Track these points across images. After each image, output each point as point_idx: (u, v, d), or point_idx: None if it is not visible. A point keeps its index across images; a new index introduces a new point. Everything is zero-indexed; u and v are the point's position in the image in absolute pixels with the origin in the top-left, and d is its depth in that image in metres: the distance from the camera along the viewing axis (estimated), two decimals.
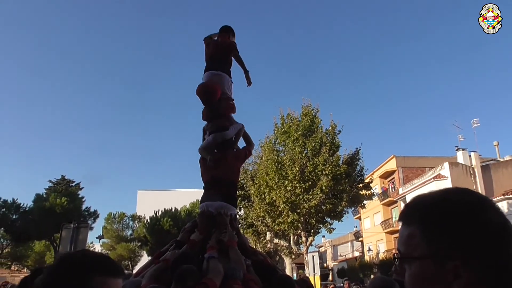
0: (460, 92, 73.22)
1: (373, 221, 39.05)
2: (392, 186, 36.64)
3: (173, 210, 30.82)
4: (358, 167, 21.50)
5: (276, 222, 19.96)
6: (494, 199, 24.26)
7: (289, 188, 19.11)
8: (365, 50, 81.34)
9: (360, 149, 21.68)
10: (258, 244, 23.25)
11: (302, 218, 19.77)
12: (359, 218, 42.74)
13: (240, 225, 22.38)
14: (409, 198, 30.72)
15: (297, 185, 19.09)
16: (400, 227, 0.87)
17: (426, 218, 0.80)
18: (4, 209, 24.99)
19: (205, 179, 4.50)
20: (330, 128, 21.23)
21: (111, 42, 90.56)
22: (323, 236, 47.59)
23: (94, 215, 28.41)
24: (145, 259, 29.85)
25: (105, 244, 36.92)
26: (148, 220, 31.22)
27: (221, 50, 4.92)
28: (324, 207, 19.73)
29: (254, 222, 21.94)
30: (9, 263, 36.76)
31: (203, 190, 4.52)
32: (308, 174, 19.45)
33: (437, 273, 0.76)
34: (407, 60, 78.41)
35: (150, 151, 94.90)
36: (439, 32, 73.19)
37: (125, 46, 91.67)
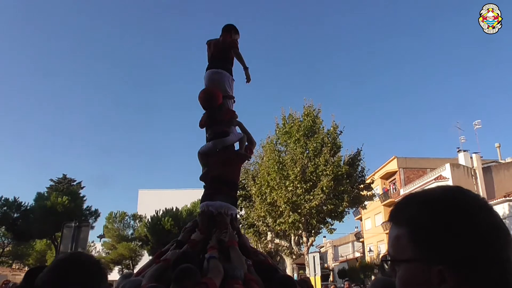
0: (462, 93, 73.10)
1: (374, 222, 39.01)
2: (393, 187, 36.60)
3: (174, 209, 30.83)
4: (359, 167, 21.49)
5: (277, 222, 19.97)
6: (495, 201, 24.33)
7: (290, 188, 19.11)
8: (367, 52, 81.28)
9: (361, 150, 21.69)
10: (259, 244, 23.25)
11: (303, 218, 19.77)
12: (360, 219, 42.69)
13: (241, 225, 22.47)
14: None
15: (298, 185, 19.09)
16: (390, 227, 0.84)
17: (413, 219, 0.77)
18: (5, 208, 25.04)
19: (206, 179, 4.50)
20: (332, 128, 21.22)
21: (115, 42, 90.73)
22: (324, 237, 47.63)
23: (95, 214, 28.44)
24: (146, 258, 29.91)
25: (106, 243, 36.96)
26: (149, 220, 31.24)
27: (221, 49, 4.93)
28: (325, 207, 19.72)
29: (255, 222, 21.95)
30: (10, 262, 36.86)
31: (204, 190, 4.52)
32: (309, 174, 19.44)
33: (423, 277, 0.73)
34: (408, 60, 78.31)
35: (151, 150, 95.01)
36: (442, 33, 73.09)
37: (129, 46, 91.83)
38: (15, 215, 25.51)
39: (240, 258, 3.43)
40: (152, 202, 38.09)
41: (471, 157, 29.54)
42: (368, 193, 22.13)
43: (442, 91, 73.66)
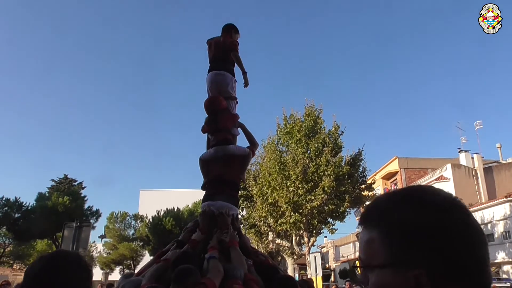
0: (463, 93, 73.01)
1: None
2: (395, 187, 36.55)
3: (175, 210, 30.85)
4: (361, 168, 21.48)
5: (279, 222, 19.96)
6: (497, 201, 24.24)
7: (292, 188, 19.10)
8: (369, 52, 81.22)
9: (362, 150, 21.68)
10: (260, 245, 23.25)
11: (304, 218, 19.76)
12: None
13: (242, 225, 22.46)
14: None
15: (299, 185, 19.08)
16: (361, 231, 0.77)
17: (384, 221, 0.72)
18: (6, 208, 25.07)
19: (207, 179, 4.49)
20: (333, 129, 21.22)
21: (119, 40, 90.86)
22: (325, 237, 47.56)
23: (97, 214, 28.44)
24: (147, 258, 29.91)
25: (107, 244, 36.99)
26: (150, 220, 31.26)
27: (222, 49, 4.91)
28: (327, 207, 19.71)
29: (257, 222, 21.95)
30: (11, 262, 36.88)
31: (205, 191, 4.50)
32: (310, 174, 19.44)
33: (398, 283, 0.68)
34: (410, 61, 78.27)
35: (153, 150, 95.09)
36: (443, 33, 73.02)
37: (133, 44, 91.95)
38: (16, 215, 25.54)
39: (240, 258, 3.42)
40: (153, 202, 38.13)
41: (472, 158, 29.51)
42: (370, 193, 22.11)
43: (444, 91, 73.64)
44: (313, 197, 19.05)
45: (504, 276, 22.71)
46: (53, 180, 39.98)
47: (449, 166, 28.31)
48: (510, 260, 22.95)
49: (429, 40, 75.73)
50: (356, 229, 46.58)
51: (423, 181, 30.20)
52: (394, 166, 35.67)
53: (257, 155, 22.26)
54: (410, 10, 77.26)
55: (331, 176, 19.02)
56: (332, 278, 42.80)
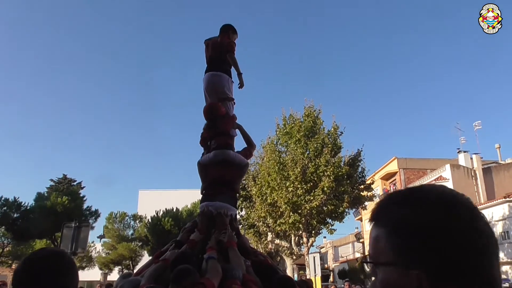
0: (462, 94, 73.12)
1: None
2: (394, 187, 36.58)
3: (174, 210, 30.83)
4: (360, 168, 21.51)
5: (278, 222, 19.97)
6: (495, 202, 24.27)
7: (291, 188, 19.11)
8: (368, 52, 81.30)
9: (361, 151, 21.71)
10: (259, 245, 23.25)
11: (303, 219, 19.77)
12: (360, 220, 42.66)
13: (241, 225, 22.46)
14: None
15: (298, 186, 19.09)
16: (371, 227, 0.79)
17: (392, 220, 0.73)
18: (5, 208, 25.02)
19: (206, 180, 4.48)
20: (332, 129, 21.24)
21: (117, 39, 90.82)
22: (324, 237, 47.61)
23: (95, 214, 28.41)
24: (146, 259, 29.86)
25: (106, 244, 36.93)
26: (149, 220, 31.24)
27: (220, 51, 4.90)
28: (326, 208, 19.72)
29: (256, 222, 21.95)
30: (10, 262, 36.79)
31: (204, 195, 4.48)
32: (309, 175, 19.44)
33: (402, 281, 0.69)
34: (409, 61, 78.35)
35: (152, 151, 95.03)
36: (442, 33, 73.13)
37: (131, 44, 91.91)
38: (15, 215, 25.48)
39: (238, 259, 3.42)
40: (152, 203, 38.10)
41: (471, 158, 29.56)
42: (369, 193, 22.13)
43: (443, 91, 73.72)
44: (312, 198, 19.06)
45: (504, 276, 22.76)
46: (52, 180, 39.98)
47: (448, 166, 28.35)
48: (509, 260, 22.98)
49: (428, 40, 75.87)
50: (355, 229, 46.70)
51: (422, 182, 30.22)
52: (393, 166, 35.70)
53: (256, 155, 22.27)
54: (410, 9, 77.41)
55: (330, 177, 19.03)
56: (331, 279, 42.80)
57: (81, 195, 28.90)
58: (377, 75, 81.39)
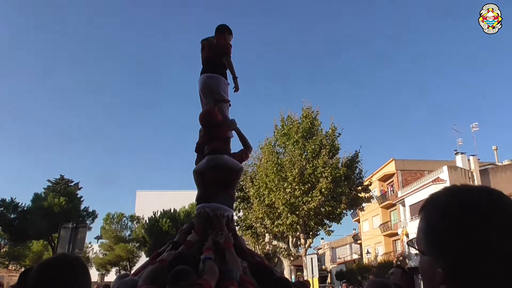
0: (459, 96, 73.38)
1: (371, 224, 39.05)
2: (391, 189, 36.65)
3: (172, 211, 30.78)
4: (357, 169, 21.55)
5: (275, 224, 19.97)
6: None
7: (289, 190, 19.12)
8: (365, 54, 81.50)
9: (359, 152, 21.76)
10: (257, 246, 23.25)
11: (301, 220, 19.78)
12: (358, 221, 42.71)
13: (239, 226, 22.45)
14: (407, 201, 30.89)
15: (296, 187, 19.10)
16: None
17: (429, 216, 0.79)
18: (2, 208, 24.92)
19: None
20: (330, 130, 21.28)
21: (114, 39, 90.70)
22: (322, 239, 47.64)
23: (93, 215, 28.33)
24: (143, 260, 29.77)
25: (103, 245, 36.84)
26: (147, 221, 31.17)
27: (216, 52, 4.90)
28: (323, 209, 19.74)
29: (253, 223, 21.95)
30: (6, 263, 36.66)
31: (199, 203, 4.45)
32: (307, 176, 19.46)
33: (430, 272, 0.76)
34: (407, 63, 78.59)
35: (149, 151, 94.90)
36: (439, 35, 73.38)
37: (129, 44, 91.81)
38: (12, 216, 25.38)
39: (235, 260, 3.42)
40: (150, 203, 38.07)
41: (469, 160, 29.67)
42: (366, 195, 22.17)
43: (440, 93, 73.92)
44: (310, 199, 19.08)
45: None
46: (49, 180, 39.83)
47: (445, 168, 28.44)
48: None
49: (426, 42, 76.13)
50: (352, 231, 46.73)
51: (419, 183, 30.30)
52: (390, 168, 35.77)
53: (254, 157, 22.28)
54: (408, 11, 77.66)
55: (328, 178, 19.06)
56: (328, 280, 42.81)
57: (78, 196, 28.82)
58: (375, 76, 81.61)
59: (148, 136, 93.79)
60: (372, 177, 29.69)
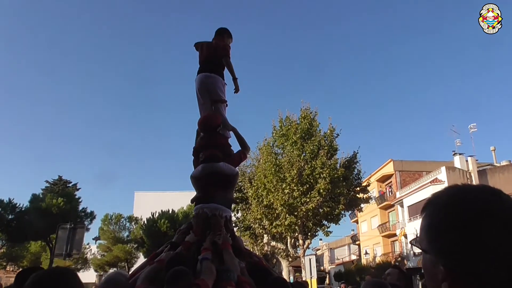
0: (458, 97, 73.56)
1: (370, 225, 39.08)
2: (389, 189, 36.69)
3: (170, 212, 30.70)
4: (356, 170, 21.57)
5: (274, 224, 19.96)
6: None
7: (287, 190, 19.12)
8: (364, 55, 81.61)
9: (357, 153, 21.81)
10: (255, 247, 23.23)
11: (299, 221, 19.78)
12: (356, 222, 42.74)
13: (237, 227, 22.43)
14: (406, 202, 30.94)
15: (295, 187, 19.11)
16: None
17: (431, 215, 0.80)
18: (0, 209, 24.85)
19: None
20: (329, 131, 21.30)
21: (113, 40, 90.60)
22: (320, 239, 47.61)
23: (91, 216, 28.23)
24: (141, 261, 29.62)
25: (101, 246, 36.74)
26: (145, 222, 31.08)
27: (214, 53, 4.92)
28: (322, 210, 19.75)
29: (252, 224, 21.94)
30: (4, 264, 36.56)
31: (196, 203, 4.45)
32: (306, 177, 19.47)
33: (432, 269, 0.77)
34: (405, 64, 78.76)
35: (147, 152, 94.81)
36: (438, 36, 73.57)
37: (127, 45, 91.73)
38: (10, 217, 25.28)
39: (233, 261, 3.43)
40: (148, 204, 37.99)
41: (467, 160, 29.74)
42: (364, 195, 22.19)
43: (438, 94, 74.10)
44: (308, 200, 19.09)
45: None
46: (47, 181, 39.79)
47: (443, 169, 28.49)
48: None
49: (424, 43, 76.29)
50: (351, 232, 46.78)
51: (417, 184, 30.35)
52: (389, 168, 35.82)
53: (252, 157, 22.29)
54: (405, 13, 77.84)
55: (327, 179, 19.08)
56: (327, 281, 42.82)
57: (76, 196, 28.72)
58: (374, 77, 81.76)
59: (146, 137, 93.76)
60: (370, 178, 29.73)
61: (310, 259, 16.96)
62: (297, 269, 28.65)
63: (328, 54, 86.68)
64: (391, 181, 36.16)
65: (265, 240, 23.09)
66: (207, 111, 4.83)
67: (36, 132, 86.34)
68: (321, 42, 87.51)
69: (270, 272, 3.71)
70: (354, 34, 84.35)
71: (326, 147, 20.19)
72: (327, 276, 44.81)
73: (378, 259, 34.54)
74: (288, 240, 22.10)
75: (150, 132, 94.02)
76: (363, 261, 37.87)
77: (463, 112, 69.75)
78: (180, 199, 35.11)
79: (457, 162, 29.75)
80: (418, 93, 76.10)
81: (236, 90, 4.92)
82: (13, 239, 26.58)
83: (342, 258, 46.07)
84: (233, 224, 6.23)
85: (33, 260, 35.99)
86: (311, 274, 16.30)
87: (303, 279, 18.17)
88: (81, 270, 35.45)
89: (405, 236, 30.33)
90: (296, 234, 20.85)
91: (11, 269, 38.83)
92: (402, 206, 32.19)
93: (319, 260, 44.59)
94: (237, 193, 21.82)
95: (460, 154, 30.29)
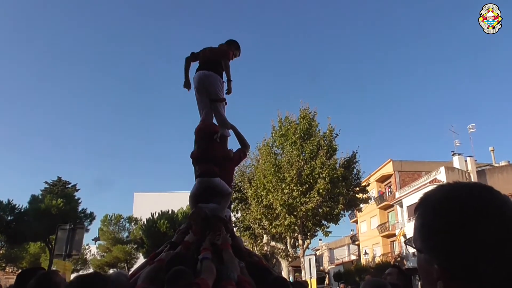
0: (457, 97, 73.64)
1: (369, 225, 39.09)
2: (389, 190, 36.70)
3: (170, 212, 30.69)
4: (355, 170, 21.59)
5: (273, 224, 19.97)
6: None
7: (287, 190, 19.13)
8: (363, 55, 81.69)
9: (357, 153, 21.83)
10: (255, 247, 23.23)
11: (299, 221, 19.79)
12: (356, 222, 42.75)
13: (237, 227, 22.43)
14: (405, 202, 30.93)
15: (294, 188, 19.12)
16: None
17: (424, 214, 0.80)
18: None
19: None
20: (328, 131, 21.31)
21: (112, 43, 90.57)
22: (320, 240, 47.62)
23: (91, 217, 28.17)
24: (141, 261, 29.59)
25: (101, 246, 36.71)
26: (145, 222, 31.06)
27: (215, 54, 4.97)
28: (321, 210, 19.76)
29: (251, 224, 21.94)
30: (3, 265, 36.51)
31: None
32: (305, 177, 19.48)
33: (427, 268, 0.77)
34: (405, 64, 78.83)
35: (147, 153, 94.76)
36: (437, 36, 73.65)
37: (126, 48, 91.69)
38: (9, 218, 25.24)
39: (233, 261, 3.44)
40: (147, 205, 37.93)
41: (466, 161, 29.78)
42: (364, 196, 22.20)
43: (437, 95, 74.16)
44: (307, 200, 19.09)
45: None
46: (46, 182, 39.69)
47: (442, 169, 28.52)
48: None
49: (423, 44, 76.37)
50: (350, 232, 46.78)
51: (417, 184, 30.37)
52: (388, 168, 35.84)
53: (252, 158, 22.31)
54: (405, 14, 77.93)
55: (326, 179, 19.09)
56: (326, 281, 42.81)
57: (76, 197, 28.68)
58: (373, 77, 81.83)
59: (146, 138, 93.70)
60: (369, 178, 29.79)
61: (309, 259, 16.96)
62: (297, 269, 28.66)
63: (328, 54, 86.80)
64: (390, 181, 36.18)
65: (264, 240, 23.09)
66: (206, 109, 4.84)
67: (35, 133, 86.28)
68: (321, 42, 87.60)
69: (270, 271, 3.72)
70: (354, 36, 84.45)
71: (325, 147, 20.20)
72: (327, 276, 44.80)
73: (377, 259, 34.54)
74: (288, 240, 22.11)
75: (149, 133, 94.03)
76: (363, 261, 37.86)
77: (462, 112, 69.87)
78: (179, 199, 35.05)
79: (456, 162, 29.78)
80: (418, 93, 76.22)
81: (229, 91, 4.99)
82: (13, 240, 26.53)
83: (342, 258, 46.07)
84: (233, 225, 6.24)
85: (32, 261, 35.95)
86: (310, 274, 16.31)
87: (303, 279, 18.18)
88: (80, 271, 35.39)
89: (405, 236, 30.33)
90: (296, 234, 20.85)
91: (10, 270, 38.78)
92: (401, 206, 32.21)
93: (318, 260, 44.57)
94: (237, 193, 21.83)
95: (459, 154, 30.34)
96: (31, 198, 26.21)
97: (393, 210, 34.84)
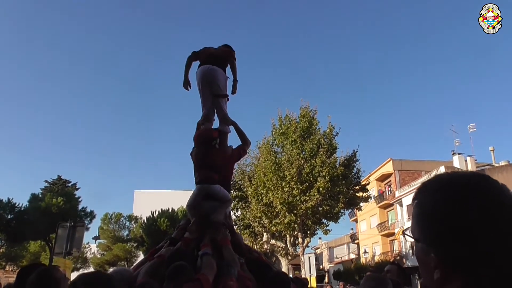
0: (457, 97, 73.62)
1: (369, 224, 39.12)
2: (389, 189, 36.73)
3: (170, 210, 30.68)
4: (355, 169, 21.60)
5: (273, 223, 19.99)
6: None
7: (286, 189, 19.14)
8: (363, 54, 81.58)
9: (357, 152, 21.82)
10: (255, 245, 23.23)
11: (298, 219, 19.81)
12: (356, 221, 42.78)
13: (237, 226, 22.44)
14: (405, 201, 30.95)
15: (294, 186, 19.13)
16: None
17: (421, 203, 0.81)
18: None
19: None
20: (328, 130, 21.31)
21: (112, 45, 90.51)
22: (320, 238, 47.61)
23: (91, 215, 28.17)
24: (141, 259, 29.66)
25: (101, 245, 36.74)
26: (145, 221, 31.06)
27: (223, 52, 4.99)
28: (321, 208, 19.78)
29: (251, 222, 21.96)
30: (3, 264, 36.53)
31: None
32: (305, 175, 19.49)
33: (424, 258, 0.77)
34: (405, 64, 78.77)
35: (147, 151, 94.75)
36: (437, 36, 73.58)
37: (126, 49, 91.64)
38: (9, 217, 25.23)
39: (233, 257, 3.45)
40: (147, 203, 37.91)
41: (466, 160, 29.80)
42: (364, 194, 22.21)
43: (438, 94, 74.13)
44: (307, 198, 19.11)
45: None
46: (46, 181, 39.73)
47: (442, 168, 28.52)
48: None
49: (423, 44, 76.28)
50: (350, 231, 46.80)
51: (417, 183, 30.38)
52: (388, 168, 35.85)
53: (252, 156, 22.31)
54: (405, 14, 77.85)
55: (326, 177, 19.09)
56: (326, 279, 42.86)
57: (76, 196, 28.69)
58: (373, 77, 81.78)
59: (146, 136, 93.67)
60: (369, 177, 29.78)
61: (309, 257, 17.02)
62: (297, 267, 28.69)
63: (328, 54, 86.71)
64: (390, 180, 36.20)
65: (264, 238, 23.11)
66: (207, 103, 4.83)
67: (35, 131, 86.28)
68: (321, 42, 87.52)
69: (270, 267, 3.73)
70: (354, 36, 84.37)
71: (325, 146, 20.21)
72: (326, 275, 44.85)
73: (377, 258, 34.58)
74: (288, 239, 22.13)
75: (149, 132, 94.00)
76: (362, 260, 37.90)
77: (462, 112, 69.83)
78: (179, 197, 34.99)
79: (456, 162, 29.81)
80: (418, 93, 76.16)
81: (234, 91, 5.00)
82: (13, 239, 26.53)
83: (341, 257, 46.11)
84: (233, 223, 6.25)
85: (32, 259, 35.93)
86: (310, 272, 16.36)
87: (302, 277, 18.21)
88: (80, 269, 35.42)
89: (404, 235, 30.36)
90: (296, 232, 20.87)
91: (10, 269, 38.80)
92: (401, 205, 32.23)
93: (318, 259, 44.61)
94: (237, 192, 21.85)
95: (459, 154, 30.38)
96: (31, 196, 26.21)
97: (393, 209, 34.87)
